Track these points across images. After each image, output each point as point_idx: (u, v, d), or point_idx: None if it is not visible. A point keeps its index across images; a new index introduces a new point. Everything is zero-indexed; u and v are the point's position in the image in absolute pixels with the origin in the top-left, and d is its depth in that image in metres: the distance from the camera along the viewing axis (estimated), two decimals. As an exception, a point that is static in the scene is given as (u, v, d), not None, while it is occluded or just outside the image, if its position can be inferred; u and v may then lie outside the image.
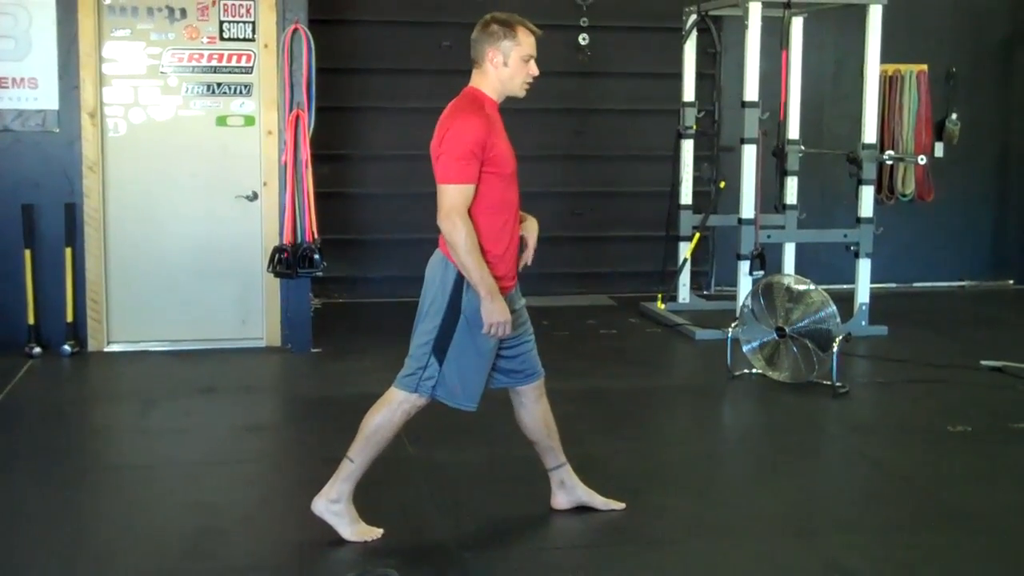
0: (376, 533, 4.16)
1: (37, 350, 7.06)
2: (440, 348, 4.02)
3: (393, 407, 4.09)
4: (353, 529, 4.15)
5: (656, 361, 7.41)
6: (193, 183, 7.37)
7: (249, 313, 7.48)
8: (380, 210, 9.44)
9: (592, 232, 9.67)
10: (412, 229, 8.74)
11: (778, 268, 8.50)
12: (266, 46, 7.21)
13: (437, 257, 4.07)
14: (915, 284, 10.19)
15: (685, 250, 8.77)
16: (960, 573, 4.02)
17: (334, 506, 4.13)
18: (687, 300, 8.87)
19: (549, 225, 9.28)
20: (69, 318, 7.16)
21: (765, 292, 6.56)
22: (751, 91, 7.67)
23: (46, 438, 5.48)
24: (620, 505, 4.50)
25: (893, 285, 9.94)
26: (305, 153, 7.02)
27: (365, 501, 4.18)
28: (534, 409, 4.33)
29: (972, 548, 4.20)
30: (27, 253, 7.07)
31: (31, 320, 7.11)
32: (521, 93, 4.10)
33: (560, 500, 4.48)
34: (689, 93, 8.70)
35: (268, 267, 7.08)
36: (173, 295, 7.40)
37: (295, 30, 7.02)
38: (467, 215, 3.91)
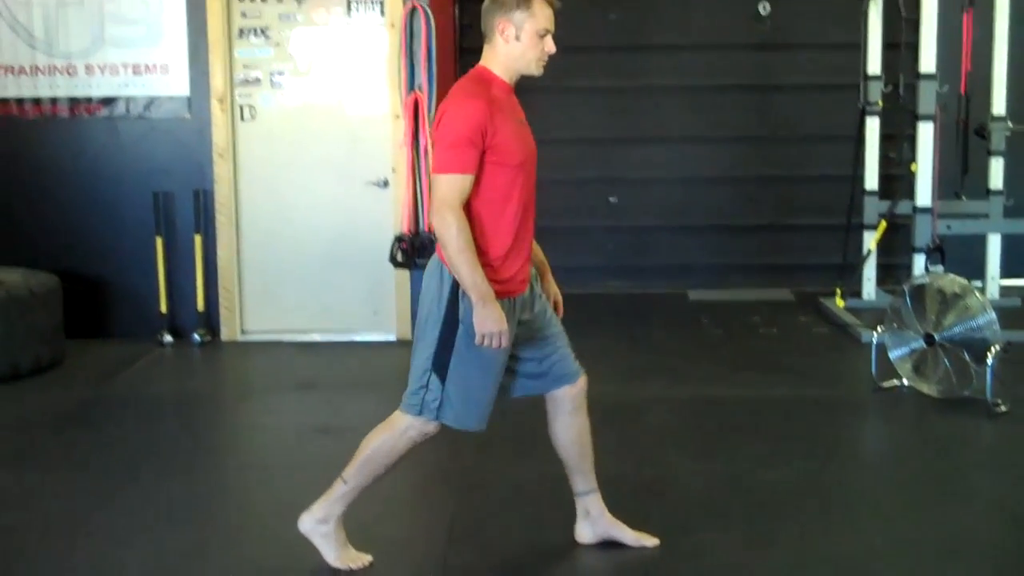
0: (364, 560, 3.76)
1: (168, 339, 7.05)
2: (440, 363, 3.55)
3: (397, 433, 3.65)
4: (339, 554, 3.75)
5: (802, 367, 6.50)
6: (323, 169, 7.16)
7: (381, 305, 7.22)
8: (541, 196, 8.94)
9: (774, 220, 8.85)
10: (574, 216, 8.27)
11: (980, 264, 7.55)
12: (392, 25, 6.89)
13: (433, 263, 3.61)
14: None
15: (870, 240, 7.87)
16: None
17: (321, 527, 3.75)
18: (872, 297, 7.95)
19: (725, 212, 8.81)
20: (200, 307, 7.12)
21: (915, 294, 5.69)
22: (927, 61, 6.74)
23: (123, 430, 5.36)
24: (653, 542, 3.92)
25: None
26: (424, 138, 6.66)
27: (367, 519, 3.78)
28: (570, 422, 3.80)
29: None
30: (159, 240, 7.07)
31: (163, 308, 7.11)
32: (537, 71, 3.61)
33: (584, 533, 3.94)
34: (874, 65, 7.76)
35: (389, 257, 6.78)
36: (305, 285, 7.23)
37: (413, 8, 6.66)
38: (460, 210, 3.44)
